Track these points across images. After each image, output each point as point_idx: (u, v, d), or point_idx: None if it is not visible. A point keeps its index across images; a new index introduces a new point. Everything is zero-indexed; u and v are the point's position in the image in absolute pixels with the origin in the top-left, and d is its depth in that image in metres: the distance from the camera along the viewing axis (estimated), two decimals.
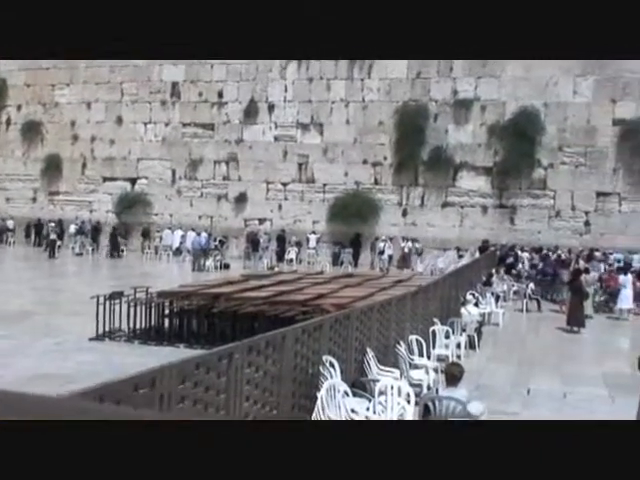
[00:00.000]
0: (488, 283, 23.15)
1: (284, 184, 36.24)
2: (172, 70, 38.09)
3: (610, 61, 30.77)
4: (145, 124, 38.88)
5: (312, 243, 34.42)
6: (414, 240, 32.82)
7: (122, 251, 36.21)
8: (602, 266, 26.25)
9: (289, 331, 8.21)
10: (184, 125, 38.10)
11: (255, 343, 7.33)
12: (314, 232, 34.84)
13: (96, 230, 38.53)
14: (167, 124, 38.42)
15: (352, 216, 33.96)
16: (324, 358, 9.09)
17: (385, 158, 34.50)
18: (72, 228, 38.19)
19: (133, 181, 39.11)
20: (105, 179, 39.73)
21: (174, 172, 38.36)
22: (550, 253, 28.64)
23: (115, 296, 16.20)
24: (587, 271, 23.72)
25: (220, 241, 34.99)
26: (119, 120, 39.25)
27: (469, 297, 18.44)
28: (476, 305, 18.45)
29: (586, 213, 31.71)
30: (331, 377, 8.93)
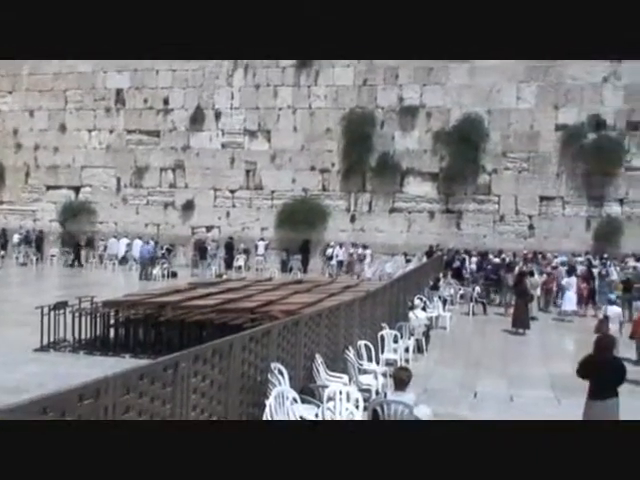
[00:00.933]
0: (435, 287, 23.37)
1: (232, 191, 36.09)
2: (117, 77, 37.67)
3: (552, 67, 31.52)
4: (89, 131, 38.34)
5: (261, 250, 34.31)
6: (365, 246, 32.95)
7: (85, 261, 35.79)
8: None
9: (236, 339, 8.16)
10: (129, 132, 37.69)
11: (201, 352, 7.27)
12: (262, 239, 34.75)
13: (40, 239, 37.85)
14: (112, 131, 37.96)
15: (300, 222, 33.99)
16: (272, 365, 9.07)
17: (333, 164, 34.62)
18: (16, 238, 37.43)
19: (77, 189, 38.51)
20: (49, 188, 39.03)
21: (119, 180, 37.91)
22: (493, 257, 29.02)
23: (60, 306, 15.94)
24: (532, 274, 24.13)
25: (167, 249, 34.66)
26: (63, 128, 38.63)
27: (417, 301, 18.62)
28: (424, 309, 18.63)
29: (530, 217, 32.28)
30: (279, 384, 8.91)
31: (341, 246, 33.05)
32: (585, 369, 8.93)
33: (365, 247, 32.93)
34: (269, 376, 8.93)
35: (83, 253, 36.57)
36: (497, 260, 28.18)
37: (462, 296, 24.95)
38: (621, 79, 31.18)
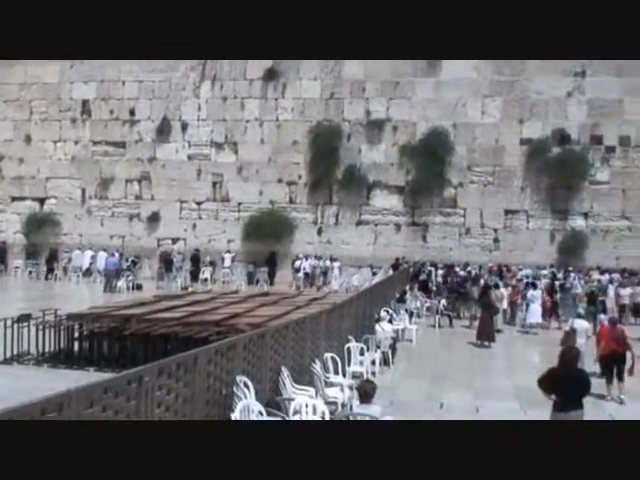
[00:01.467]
0: (402, 300, 23.44)
1: (198, 203, 35.95)
2: (83, 88, 37.40)
3: (517, 82, 31.93)
4: (55, 142, 37.96)
5: (227, 262, 34.15)
6: (332, 259, 32.96)
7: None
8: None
9: (201, 352, 8.09)
10: (95, 143, 37.38)
11: (166, 365, 7.20)
12: (229, 251, 34.61)
13: (3, 251, 37.33)
14: (77, 142, 37.62)
15: (267, 235, 33.94)
16: (238, 378, 9.01)
17: (300, 177, 34.66)
18: None
19: (42, 201, 38.07)
20: (13, 199, 38.53)
21: (84, 191, 37.56)
22: (459, 269, 29.22)
23: (23, 319, 15.74)
24: (497, 286, 24.32)
25: (132, 261, 34.37)
26: (28, 138, 38.19)
27: (383, 314, 18.64)
28: (390, 322, 18.66)
29: (495, 230, 32.58)
30: (245, 397, 8.85)
31: (307, 258, 33.04)
32: (549, 382, 8.98)
33: (332, 259, 32.95)
34: (235, 389, 8.87)
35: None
36: (463, 273, 28.35)
37: (428, 309, 25.06)
38: (585, 94, 31.69)
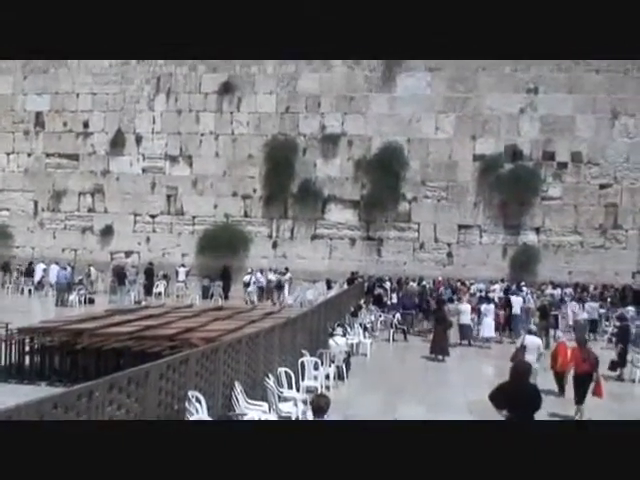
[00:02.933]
0: (356, 314, 23.47)
1: (152, 216, 35.66)
2: (37, 100, 36.96)
3: (470, 99, 32.36)
4: (7, 154, 37.42)
5: (181, 276, 33.85)
6: (285, 272, 32.88)
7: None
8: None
9: (153, 367, 8.01)
10: (48, 155, 36.92)
11: (117, 380, 7.11)
12: (183, 265, 34.35)
13: None
14: (30, 155, 37.13)
15: (222, 248, 33.78)
16: (190, 394, 8.92)
17: (255, 191, 34.62)
18: None
19: None
20: None
21: (36, 204, 37.05)
22: (412, 283, 29.40)
23: None
24: (451, 300, 24.49)
25: (86, 274, 33.90)
26: None
27: (337, 328, 18.62)
28: (344, 336, 18.64)
29: (449, 245, 32.89)
30: (197, 413, 8.78)
31: (262, 272, 32.91)
32: (501, 397, 9.01)
33: (284, 273, 32.81)
34: (186, 405, 8.79)
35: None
36: (416, 287, 28.53)
37: (383, 323, 25.12)
38: (537, 110, 32.26)
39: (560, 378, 15.56)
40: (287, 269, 32.99)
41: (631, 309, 24.06)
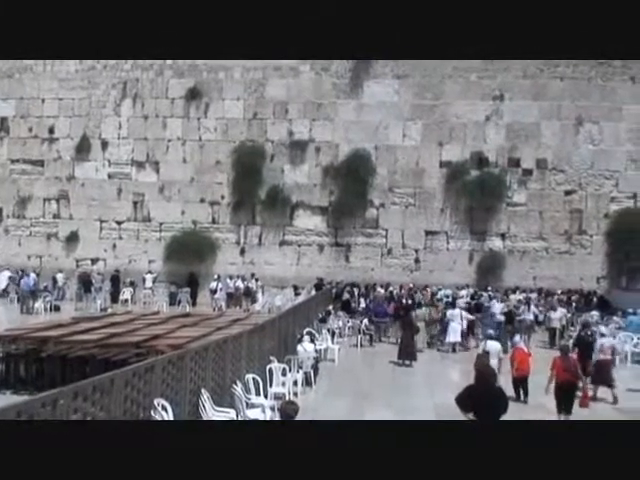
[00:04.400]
0: (324, 320, 23.48)
1: (118, 223, 35.36)
2: (1, 105, 36.51)
3: (437, 106, 32.60)
4: None
5: (148, 283, 33.58)
6: (252, 278, 32.80)
7: None
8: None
9: (118, 374, 7.94)
10: (12, 161, 36.46)
11: (81, 388, 7.04)
12: (150, 272, 34.08)
13: None
14: None
15: (189, 255, 33.58)
16: (156, 401, 8.86)
17: (223, 197, 34.50)
18: None
19: None
20: None
21: (1, 210, 36.55)
22: (380, 289, 29.47)
23: None
24: (420, 306, 24.59)
25: (53, 279, 33.52)
26: None
27: (305, 334, 18.62)
28: (312, 342, 18.64)
29: (416, 251, 33.06)
30: None
31: (231, 278, 32.77)
32: (467, 400, 9.07)
33: (257, 279, 32.72)
34: (152, 413, 8.72)
35: None
36: (383, 292, 28.60)
37: (351, 328, 25.13)
38: (503, 118, 32.59)
39: (517, 383, 15.67)
40: (253, 275, 32.91)
41: (595, 314, 24.32)
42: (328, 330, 22.11)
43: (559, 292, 30.21)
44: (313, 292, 29.83)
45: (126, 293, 32.94)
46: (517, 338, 17.82)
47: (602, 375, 16.21)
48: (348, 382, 17.67)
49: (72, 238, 35.65)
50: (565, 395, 13.16)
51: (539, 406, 14.31)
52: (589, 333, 17.96)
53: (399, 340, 21.58)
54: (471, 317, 24.12)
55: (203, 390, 10.67)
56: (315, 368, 17.20)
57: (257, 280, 32.72)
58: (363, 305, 27.89)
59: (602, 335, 17.96)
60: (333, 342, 21.42)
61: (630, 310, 23.86)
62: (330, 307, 26.12)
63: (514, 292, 29.41)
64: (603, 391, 16.21)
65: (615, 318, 24.56)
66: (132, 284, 33.54)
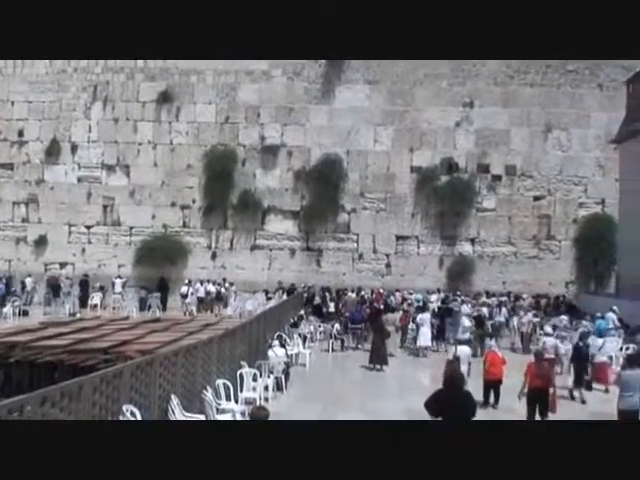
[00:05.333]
0: (296, 325, 23.46)
1: (88, 227, 35.07)
2: None
3: (408, 112, 32.79)
4: None
5: (118, 288, 33.29)
6: (224, 282, 32.69)
7: None
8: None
9: (86, 380, 7.88)
10: None
11: (49, 394, 6.98)
12: (120, 276, 33.81)
13: None
14: None
15: (160, 259, 33.42)
16: (124, 407, 8.80)
17: (194, 201, 34.38)
18: None
19: None
20: None
21: None
22: (351, 294, 29.50)
23: None
24: (392, 310, 24.65)
25: (21, 283, 33.16)
26: None
27: (276, 339, 18.59)
28: (283, 346, 18.62)
29: (387, 255, 33.19)
30: None
31: (202, 283, 32.64)
32: (436, 405, 9.11)
33: (232, 284, 32.60)
34: (121, 419, 8.66)
35: None
36: (354, 296, 28.66)
37: (322, 333, 25.13)
38: (473, 124, 32.87)
39: (488, 387, 15.63)
40: (225, 280, 32.81)
41: (564, 318, 24.54)
42: (299, 335, 22.10)
43: (524, 296, 30.46)
44: (284, 297, 29.79)
45: (95, 298, 32.59)
46: (492, 342, 17.80)
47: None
48: (319, 387, 17.69)
49: (41, 242, 35.30)
50: (537, 401, 13.07)
51: (509, 411, 14.40)
52: (587, 344, 17.98)
53: (370, 344, 21.65)
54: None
55: (173, 396, 10.63)
56: (286, 373, 17.17)
57: (232, 284, 32.63)
58: (332, 309, 27.86)
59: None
60: (304, 347, 21.42)
61: (598, 314, 24.06)
62: (302, 312, 26.11)
63: (488, 295, 29.62)
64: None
65: (584, 322, 24.79)
66: (101, 289, 33.21)
